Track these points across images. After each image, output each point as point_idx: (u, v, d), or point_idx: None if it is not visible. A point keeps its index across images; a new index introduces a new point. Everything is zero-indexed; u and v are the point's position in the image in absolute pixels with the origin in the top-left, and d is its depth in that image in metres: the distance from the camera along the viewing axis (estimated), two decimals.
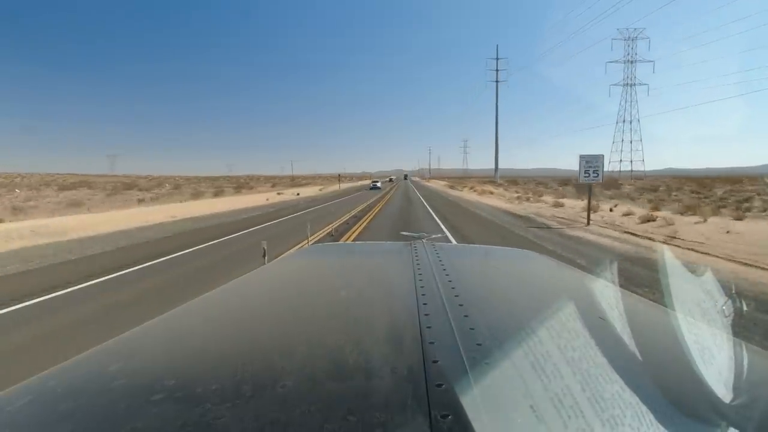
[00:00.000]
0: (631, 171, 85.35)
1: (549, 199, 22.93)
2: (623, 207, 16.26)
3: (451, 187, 51.78)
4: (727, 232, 9.85)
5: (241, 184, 56.02)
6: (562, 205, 18.71)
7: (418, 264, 1.17)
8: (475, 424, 0.43)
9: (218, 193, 33.92)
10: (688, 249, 8.21)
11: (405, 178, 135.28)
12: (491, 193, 34.60)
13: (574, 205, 18.23)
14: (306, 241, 4.57)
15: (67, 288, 5.72)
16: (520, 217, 15.41)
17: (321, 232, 10.85)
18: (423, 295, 0.86)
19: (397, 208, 19.90)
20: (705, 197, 22.77)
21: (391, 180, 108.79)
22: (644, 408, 0.48)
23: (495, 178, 66.15)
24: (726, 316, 0.81)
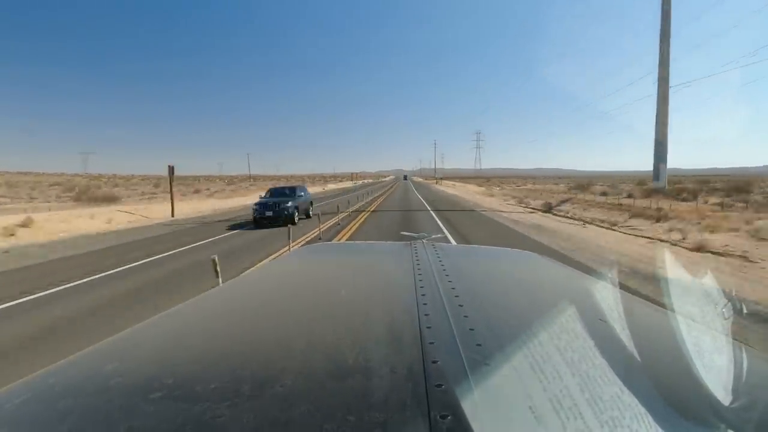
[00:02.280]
0: None
1: None
2: None
3: (575, 220, 14.21)
4: None
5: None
6: None
7: (418, 264, 1.17)
8: (474, 425, 0.43)
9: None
10: None
11: (405, 179, 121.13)
12: None
13: None
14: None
15: None
16: None
17: None
18: (423, 295, 0.86)
19: None
20: None
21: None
22: (643, 410, 0.48)
23: (658, 182, 21.93)
24: (725, 319, 0.82)
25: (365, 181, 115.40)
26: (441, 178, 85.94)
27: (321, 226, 11.06)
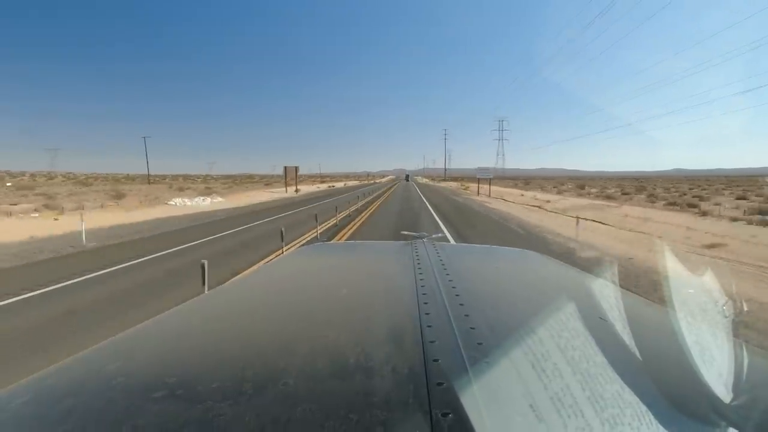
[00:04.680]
0: None
1: None
2: None
3: None
4: None
5: None
6: None
7: (418, 263, 1.17)
8: (475, 423, 0.43)
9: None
10: None
11: (406, 179, 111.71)
12: None
13: None
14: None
15: None
16: None
17: None
18: (424, 294, 0.86)
19: None
20: None
21: None
22: (644, 408, 0.48)
23: None
24: (726, 317, 0.82)
25: (332, 185, 66.86)
26: (491, 179, 34.39)
27: None
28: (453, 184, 68.87)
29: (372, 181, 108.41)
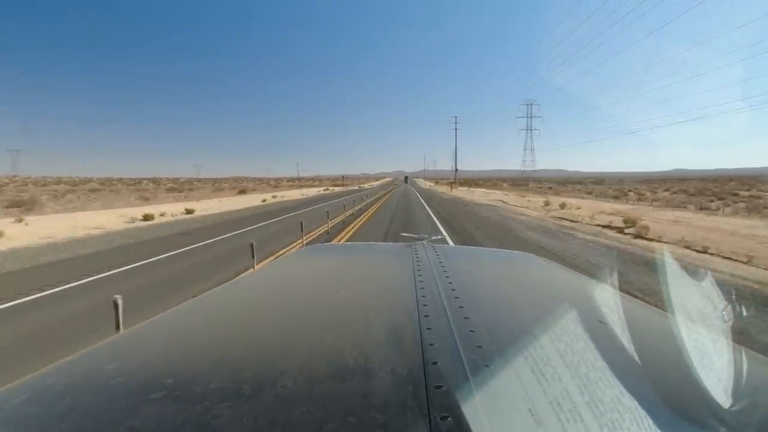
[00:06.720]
0: None
1: None
2: None
3: None
4: None
5: None
6: None
7: (418, 265, 1.17)
8: (474, 427, 0.43)
9: None
10: None
11: (405, 181, 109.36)
12: None
13: None
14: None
15: None
16: None
17: None
18: (423, 296, 0.86)
19: None
20: None
21: None
22: (643, 412, 0.48)
23: None
24: (725, 321, 0.82)
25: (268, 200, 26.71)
26: None
27: None
28: (515, 202, 27.37)
29: (358, 187, 67.45)
